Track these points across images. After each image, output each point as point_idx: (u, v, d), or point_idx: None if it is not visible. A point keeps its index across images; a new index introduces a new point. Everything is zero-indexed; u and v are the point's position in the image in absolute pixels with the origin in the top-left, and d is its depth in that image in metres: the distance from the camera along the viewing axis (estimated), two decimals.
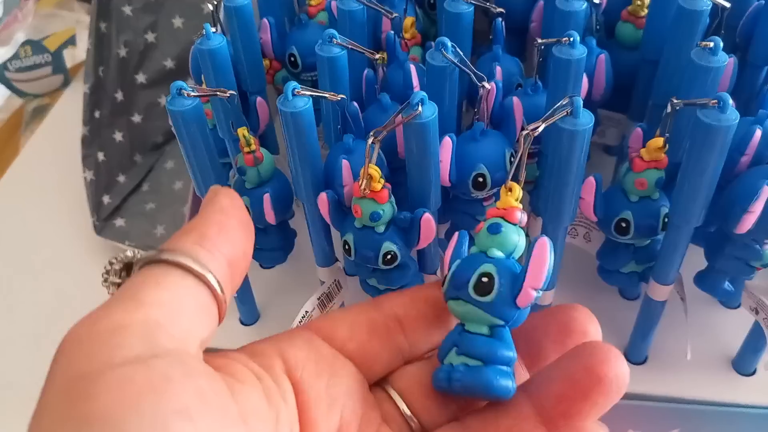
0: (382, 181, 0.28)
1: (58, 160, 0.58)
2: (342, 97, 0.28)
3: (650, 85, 0.35)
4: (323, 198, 0.29)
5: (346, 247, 0.29)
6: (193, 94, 0.27)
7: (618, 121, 0.40)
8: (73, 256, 0.52)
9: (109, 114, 0.54)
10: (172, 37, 0.55)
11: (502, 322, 0.23)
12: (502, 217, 0.25)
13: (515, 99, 0.31)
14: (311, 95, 0.26)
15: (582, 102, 0.25)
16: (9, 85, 0.66)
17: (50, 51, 0.66)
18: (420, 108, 0.26)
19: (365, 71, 0.33)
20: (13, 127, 0.68)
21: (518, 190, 0.25)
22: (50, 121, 0.64)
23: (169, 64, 0.55)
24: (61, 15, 0.71)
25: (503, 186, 0.25)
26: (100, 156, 0.53)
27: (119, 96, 0.55)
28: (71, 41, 0.67)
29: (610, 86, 0.35)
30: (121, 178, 0.54)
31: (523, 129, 0.25)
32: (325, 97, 0.28)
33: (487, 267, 0.23)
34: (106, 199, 0.52)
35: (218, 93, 0.29)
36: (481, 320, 0.23)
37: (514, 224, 0.25)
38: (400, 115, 0.26)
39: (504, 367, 0.23)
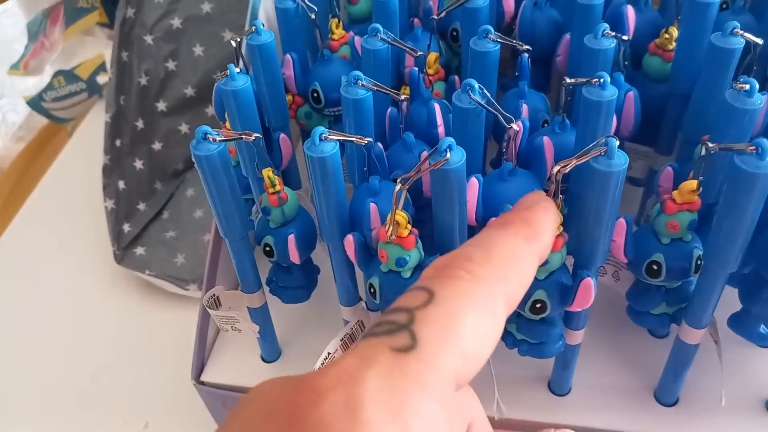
0: (409, 227, 0.27)
1: (80, 188, 0.59)
2: (369, 141, 0.28)
3: (679, 119, 0.35)
4: (350, 240, 0.29)
5: (372, 290, 0.29)
6: (218, 138, 0.27)
7: (645, 154, 0.39)
8: (93, 285, 0.52)
9: (129, 142, 0.54)
10: (193, 65, 0.55)
11: None
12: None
13: (546, 138, 0.31)
14: (338, 140, 0.26)
15: (616, 142, 0.24)
16: (47, 115, 0.67)
17: (83, 79, 0.67)
18: (448, 154, 0.25)
19: (389, 110, 0.33)
20: (37, 148, 0.69)
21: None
22: (72, 148, 0.65)
23: (189, 91, 0.55)
24: (87, 41, 0.72)
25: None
26: (121, 184, 0.53)
27: (140, 124, 0.55)
28: (103, 67, 0.68)
29: (639, 123, 0.34)
30: (142, 206, 0.54)
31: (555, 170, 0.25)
32: (352, 141, 0.27)
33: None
34: (126, 227, 0.53)
35: (243, 136, 0.28)
36: None
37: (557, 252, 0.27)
38: (427, 162, 0.25)
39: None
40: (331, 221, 0.29)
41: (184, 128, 0.56)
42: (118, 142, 0.54)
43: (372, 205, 0.28)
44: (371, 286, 0.29)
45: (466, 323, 0.17)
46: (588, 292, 0.27)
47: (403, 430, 0.14)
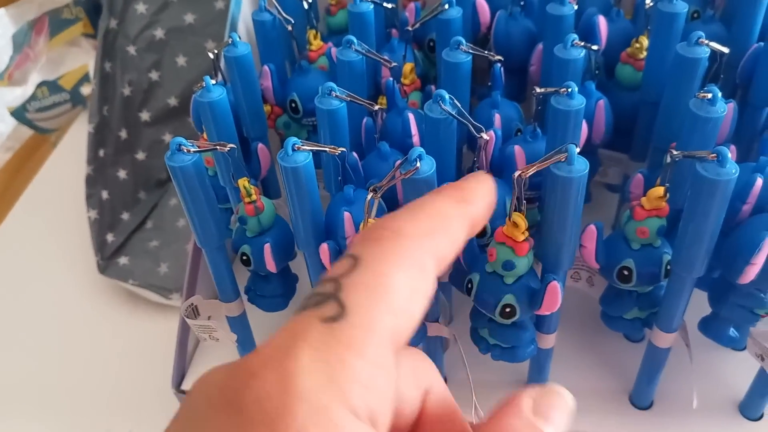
0: None
1: (63, 198, 0.59)
2: (342, 150, 0.28)
3: (651, 126, 0.35)
4: (325, 249, 0.29)
5: None
6: (193, 150, 0.27)
7: (619, 161, 0.40)
8: (77, 295, 0.52)
9: (113, 152, 0.55)
10: (176, 75, 0.55)
11: None
12: (511, 248, 0.28)
13: (517, 147, 0.31)
14: (311, 150, 0.26)
15: (576, 149, 0.25)
16: (31, 125, 0.67)
17: (67, 90, 0.67)
18: (418, 163, 0.26)
19: (364, 120, 0.33)
20: (23, 157, 0.69)
21: (523, 223, 0.27)
22: (56, 159, 0.65)
23: (172, 102, 0.56)
24: (72, 52, 0.72)
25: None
26: (104, 194, 0.54)
27: (123, 134, 0.55)
28: (86, 78, 0.68)
29: (610, 130, 0.35)
30: (125, 216, 0.54)
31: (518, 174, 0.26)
32: (325, 150, 0.28)
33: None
34: (110, 237, 0.53)
35: (218, 147, 0.29)
36: None
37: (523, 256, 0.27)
38: (398, 171, 0.26)
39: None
40: (307, 230, 0.29)
41: (167, 138, 0.56)
42: (101, 153, 0.54)
43: (346, 213, 0.28)
44: None
45: (394, 281, 0.16)
46: (555, 296, 0.28)
47: (340, 396, 0.14)
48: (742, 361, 0.36)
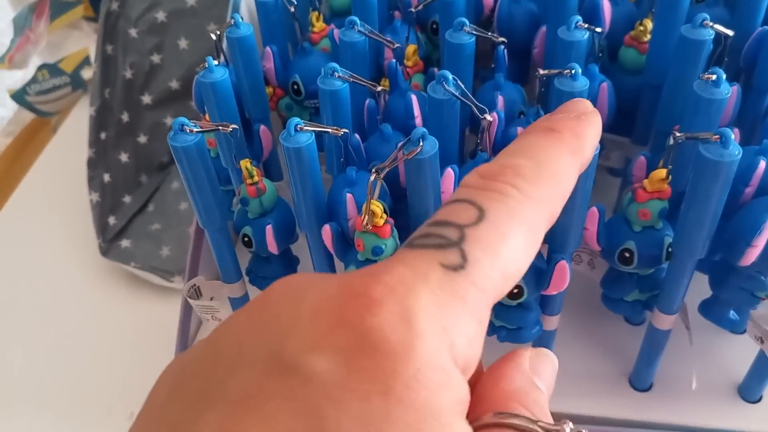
0: (385, 216, 0.28)
1: (64, 181, 0.59)
2: (345, 132, 0.28)
3: (654, 110, 0.35)
4: (327, 230, 0.29)
5: None
6: (195, 130, 0.27)
7: (622, 144, 0.40)
8: (78, 277, 0.53)
9: (114, 135, 0.55)
10: (178, 58, 0.55)
11: None
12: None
13: (521, 129, 0.31)
14: (314, 130, 0.26)
15: None
16: (31, 108, 0.67)
17: (67, 73, 0.67)
18: (421, 144, 0.26)
19: (367, 101, 0.33)
20: (24, 141, 0.69)
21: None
22: (57, 142, 0.65)
23: (174, 85, 0.56)
24: (73, 35, 0.72)
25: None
26: (106, 177, 0.54)
27: (125, 117, 0.55)
28: (87, 61, 0.68)
29: (613, 113, 0.35)
30: (127, 199, 0.54)
31: None
32: (327, 131, 0.28)
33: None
34: (111, 220, 0.53)
35: (220, 128, 0.29)
36: None
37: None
38: (401, 152, 0.26)
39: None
40: (309, 212, 0.29)
41: (168, 121, 0.56)
42: (103, 135, 0.54)
43: (348, 195, 0.28)
44: None
45: (514, 246, 0.17)
46: (563, 275, 0.28)
47: (450, 345, 0.15)
48: (742, 343, 0.36)
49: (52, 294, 0.52)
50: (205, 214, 0.30)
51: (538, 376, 0.19)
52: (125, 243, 0.52)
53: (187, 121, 0.27)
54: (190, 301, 0.33)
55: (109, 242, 0.52)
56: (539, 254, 0.29)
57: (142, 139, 0.56)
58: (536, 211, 0.18)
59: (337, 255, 0.30)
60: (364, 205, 0.27)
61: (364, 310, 0.15)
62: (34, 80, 0.65)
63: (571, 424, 0.17)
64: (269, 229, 0.30)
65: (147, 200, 0.55)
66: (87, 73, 0.67)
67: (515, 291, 0.29)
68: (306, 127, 0.26)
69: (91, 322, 0.50)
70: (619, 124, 0.38)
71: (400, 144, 0.26)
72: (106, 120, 0.54)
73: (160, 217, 0.54)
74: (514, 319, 0.31)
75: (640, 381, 0.35)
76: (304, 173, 0.27)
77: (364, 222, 0.28)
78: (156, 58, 0.55)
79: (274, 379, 0.14)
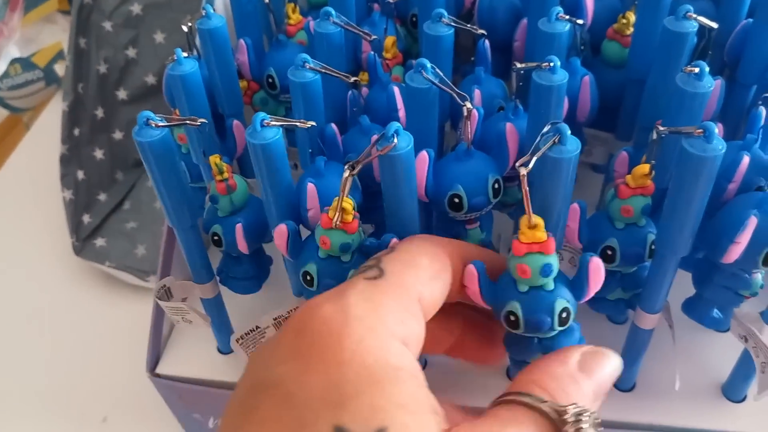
0: (354, 212, 0.26)
1: (37, 179, 0.57)
2: (312, 125, 0.27)
3: (637, 104, 0.34)
4: (282, 230, 0.27)
5: (308, 278, 0.27)
6: (161, 124, 0.26)
7: (605, 140, 0.39)
8: (51, 277, 0.51)
9: (89, 131, 0.53)
10: (154, 52, 0.54)
11: None
12: (541, 252, 0.25)
13: (509, 125, 0.30)
14: (281, 125, 0.25)
15: (569, 128, 0.24)
16: (3, 104, 0.65)
17: (40, 67, 0.65)
18: (396, 139, 0.25)
19: (349, 93, 0.32)
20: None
21: (542, 224, 0.25)
22: (30, 139, 0.63)
23: (150, 80, 0.54)
24: (48, 28, 0.70)
25: (523, 223, 0.25)
26: (80, 174, 0.52)
27: (99, 113, 0.54)
28: (60, 56, 0.66)
29: (595, 108, 0.34)
30: (102, 197, 0.53)
31: (516, 163, 0.24)
32: (295, 125, 0.27)
33: (563, 302, 0.25)
34: (86, 218, 0.51)
35: (188, 122, 0.28)
36: None
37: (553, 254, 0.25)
38: (375, 147, 0.25)
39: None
40: (279, 211, 0.28)
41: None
42: (76, 131, 0.53)
43: (310, 185, 0.27)
44: (307, 273, 0.27)
45: (422, 261, 0.23)
46: (597, 274, 0.26)
47: (382, 322, 0.19)
48: (726, 343, 0.35)
49: (24, 295, 0.51)
50: (174, 212, 0.29)
51: (586, 372, 0.22)
52: (100, 242, 0.51)
53: (152, 115, 0.26)
54: (159, 303, 0.32)
55: (83, 241, 0.51)
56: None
57: (118, 135, 0.55)
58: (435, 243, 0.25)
59: (290, 256, 0.28)
60: (335, 202, 0.26)
61: (310, 314, 0.20)
62: (6, 75, 0.63)
63: (577, 408, 0.20)
64: (239, 227, 0.29)
65: (123, 198, 0.54)
66: (60, 68, 0.65)
67: (564, 315, 0.25)
68: (273, 122, 0.25)
69: (64, 323, 0.49)
70: (602, 119, 0.37)
71: (373, 139, 0.25)
72: (80, 116, 0.53)
73: (136, 215, 0.53)
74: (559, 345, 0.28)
75: (623, 381, 0.34)
76: (272, 171, 0.26)
77: (335, 219, 0.26)
78: (131, 53, 0.54)
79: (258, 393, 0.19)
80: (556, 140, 0.24)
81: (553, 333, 0.26)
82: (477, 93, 0.32)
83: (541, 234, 0.24)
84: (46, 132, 0.61)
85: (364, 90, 0.34)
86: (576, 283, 0.26)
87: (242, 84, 0.37)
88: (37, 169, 0.58)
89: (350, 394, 0.17)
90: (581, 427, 0.19)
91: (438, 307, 0.23)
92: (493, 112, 0.33)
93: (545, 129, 0.24)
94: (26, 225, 0.55)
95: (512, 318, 0.25)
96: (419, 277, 0.22)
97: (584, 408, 0.20)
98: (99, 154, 0.54)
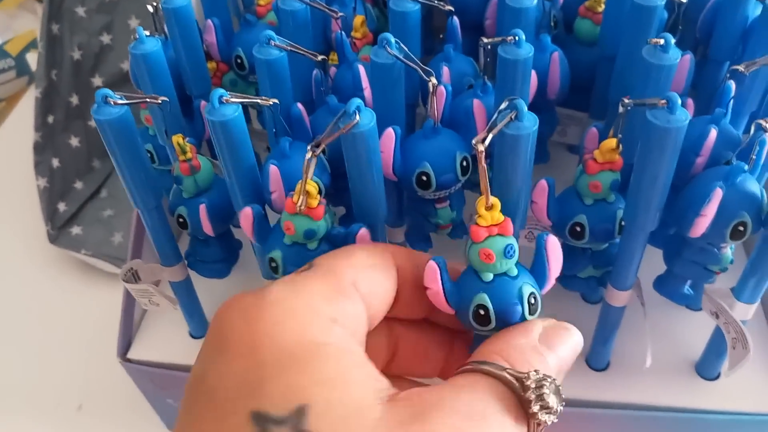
0: (319, 197, 0.26)
1: (13, 168, 0.57)
2: (274, 102, 0.27)
3: (609, 82, 0.34)
4: (248, 213, 0.26)
5: (273, 264, 0.27)
6: (120, 102, 0.26)
7: (579, 120, 0.39)
8: (26, 265, 0.51)
9: (63, 118, 0.53)
10: (128, 38, 0.53)
11: None
12: (500, 234, 0.24)
13: (476, 102, 0.30)
14: (241, 102, 0.25)
15: (525, 105, 0.24)
16: None
17: (12, 55, 0.64)
18: (357, 116, 0.24)
19: (314, 72, 0.32)
20: None
21: (499, 204, 0.24)
22: (7, 128, 0.62)
23: (126, 66, 0.54)
24: (22, 16, 0.69)
25: (480, 205, 0.23)
26: (55, 162, 0.52)
27: (74, 100, 0.53)
28: (33, 44, 0.65)
29: (566, 84, 0.34)
30: (79, 185, 0.53)
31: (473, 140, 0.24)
32: (257, 102, 0.26)
33: (529, 288, 0.23)
34: (62, 206, 0.51)
35: (149, 99, 0.27)
36: None
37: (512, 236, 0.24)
38: (338, 125, 0.24)
39: None
40: (243, 191, 0.27)
41: None
42: (50, 119, 0.52)
43: (272, 167, 0.26)
44: (272, 260, 0.27)
45: (356, 250, 0.22)
46: (555, 251, 0.25)
47: (305, 302, 0.19)
48: (699, 322, 0.35)
49: None
50: (137, 191, 0.29)
51: (549, 347, 0.21)
52: (76, 230, 0.50)
53: (110, 92, 0.26)
54: (126, 285, 0.32)
55: (58, 229, 0.50)
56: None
57: (94, 122, 0.54)
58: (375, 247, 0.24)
59: (257, 240, 0.27)
60: (298, 185, 0.26)
61: (224, 309, 0.20)
62: None
63: (539, 374, 0.19)
64: (203, 208, 0.29)
65: (99, 186, 0.54)
66: (32, 57, 0.64)
67: (533, 301, 0.24)
68: (232, 99, 0.25)
69: (39, 311, 0.48)
70: (577, 98, 0.37)
71: (336, 116, 0.25)
72: (54, 102, 0.52)
73: (113, 202, 0.52)
74: None
75: (597, 360, 0.34)
76: (232, 149, 0.26)
77: (299, 204, 0.26)
78: (106, 39, 0.53)
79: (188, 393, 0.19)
80: (513, 116, 0.24)
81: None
82: (445, 70, 0.32)
83: (499, 215, 0.23)
84: (24, 122, 0.60)
85: (333, 70, 0.33)
86: (536, 266, 0.24)
87: (211, 65, 0.36)
88: (13, 159, 0.57)
89: (267, 377, 0.16)
90: (543, 392, 0.18)
91: (385, 301, 0.22)
92: (463, 90, 0.33)
93: (502, 105, 0.24)
94: (1, 213, 0.55)
95: (482, 312, 0.23)
96: (352, 265, 0.21)
97: (546, 375, 0.19)
98: (75, 141, 0.53)
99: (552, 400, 0.19)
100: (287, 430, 0.15)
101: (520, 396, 0.19)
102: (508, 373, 0.19)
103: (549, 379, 0.19)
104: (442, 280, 0.23)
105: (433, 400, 0.18)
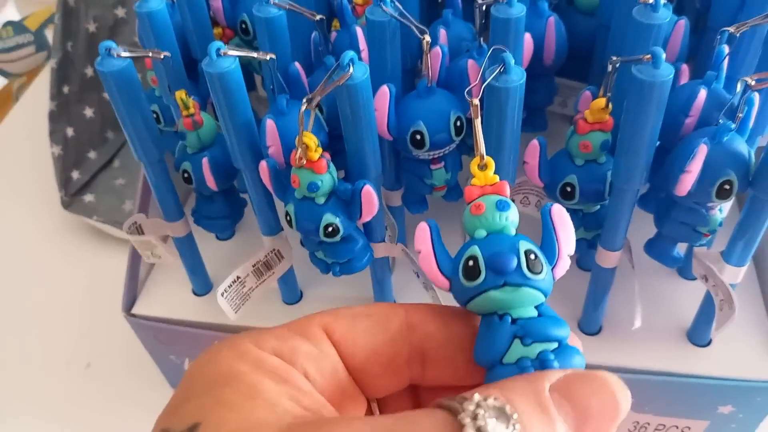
0: (320, 150, 0.27)
1: (31, 137, 0.58)
2: (271, 57, 0.27)
3: (606, 50, 0.34)
4: (264, 167, 0.28)
5: (288, 218, 0.28)
6: (123, 54, 0.27)
7: (579, 90, 0.39)
8: (39, 230, 0.52)
9: (78, 90, 0.54)
10: None
11: (545, 298, 0.20)
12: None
13: (471, 61, 0.31)
14: (238, 55, 0.26)
15: (512, 58, 0.24)
16: None
17: (31, 31, 0.66)
18: (351, 69, 0.25)
19: (313, 34, 0.32)
20: None
21: (493, 164, 0.22)
22: (26, 99, 0.64)
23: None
24: None
25: (473, 164, 0.21)
26: (69, 131, 0.53)
27: (89, 71, 0.54)
28: (52, 20, 0.67)
29: (563, 51, 0.34)
30: (92, 155, 0.54)
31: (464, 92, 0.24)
32: (253, 57, 0.27)
33: (527, 244, 0.20)
34: (75, 174, 0.52)
35: (151, 53, 0.28)
36: (530, 301, 0.19)
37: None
38: (332, 79, 0.25)
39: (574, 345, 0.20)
40: (242, 145, 0.28)
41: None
42: (65, 89, 0.53)
43: (269, 121, 0.27)
44: (287, 214, 0.28)
45: (354, 306, 0.20)
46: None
47: (247, 339, 0.19)
48: (692, 290, 0.36)
49: (11, 246, 0.52)
50: (140, 144, 0.30)
51: (562, 393, 0.17)
52: (88, 197, 0.52)
53: (113, 44, 0.27)
54: (129, 237, 0.33)
55: (72, 196, 0.52)
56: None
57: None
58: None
59: (276, 194, 0.29)
60: (297, 139, 0.27)
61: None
62: None
63: (485, 395, 0.16)
64: (205, 162, 0.30)
65: (112, 156, 0.55)
66: (51, 33, 0.66)
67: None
68: (229, 52, 0.26)
69: (51, 274, 0.50)
70: (576, 68, 0.37)
71: (331, 70, 0.26)
72: (69, 73, 0.53)
73: (125, 172, 0.54)
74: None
75: (589, 324, 0.35)
76: (230, 101, 0.26)
77: (297, 156, 0.27)
78: (120, 12, 0.54)
79: None
80: (501, 69, 0.24)
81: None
82: (442, 33, 0.32)
83: (494, 176, 0.21)
84: (40, 96, 0.62)
85: (334, 35, 0.34)
86: (545, 240, 0.21)
87: (217, 31, 0.37)
88: (32, 131, 0.59)
89: (183, 400, 0.17)
90: (478, 413, 0.15)
91: (373, 351, 0.19)
92: (460, 53, 0.33)
93: (486, 57, 0.24)
94: (18, 180, 0.56)
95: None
96: (330, 312, 0.20)
97: (495, 396, 0.16)
98: (89, 112, 0.54)
99: (492, 426, 0.15)
100: None
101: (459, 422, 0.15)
102: (456, 400, 0.16)
103: (492, 397, 0.16)
104: (433, 242, 0.21)
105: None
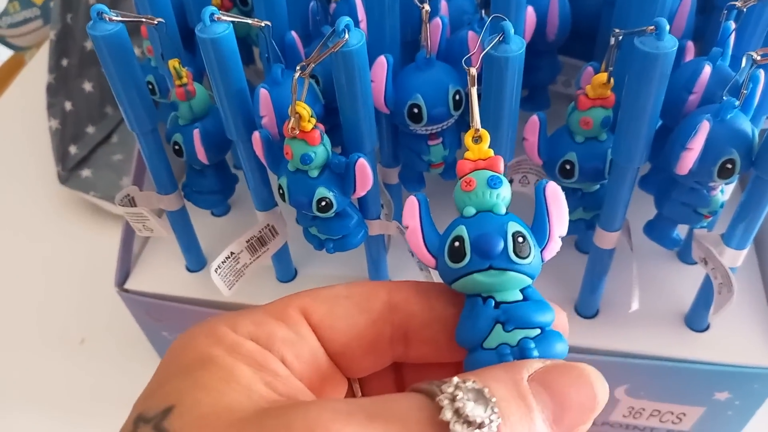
0: (313, 120, 0.26)
1: (30, 111, 0.58)
2: (266, 24, 0.27)
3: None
4: (257, 138, 0.27)
5: (281, 191, 0.28)
6: (115, 18, 0.26)
7: None
8: (36, 205, 0.52)
9: (78, 63, 0.53)
10: None
11: (531, 281, 0.19)
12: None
13: (471, 33, 0.30)
14: (232, 20, 0.25)
15: (512, 27, 0.24)
16: (4, 42, 0.66)
17: (37, 4, 0.65)
18: (346, 35, 0.24)
19: (311, 3, 0.32)
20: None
21: (488, 137, 0.21)
22: (26, 73, 0.64)
23: None
24: None
25: (467, 136, 0.21)
26: (68, 105, 0.53)
27: (89, 45, 0.54)
28: None
29: (566, 25, 0.34)
30: (90, 129, 0.54)
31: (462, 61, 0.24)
32: (247, 22, 0.26)
33: (516, 225, 0.19)
34: (73, 149, 0.52)
35: (144, 19, 0.27)
36: (515, 285, 0.19)
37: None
38: (327, 45, 0.25)
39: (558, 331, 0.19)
40: (235, 115, 0.28)
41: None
42: (64, 62, 0.53)
43: (262, 90, 0.27)
44: (280, 187, 0.28)
45: (334, 286, 0.20)
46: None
47: (222, 323, 0.18)
48: (690, 274, 0.35)
49: (7, 221, 0.52)
50: (132, 113, 0.29)
51: (542, 383, 0.17)
52: (86, 172, 0.51)
53: (105, 8, 0.26)
54: (122, 209, 0.33)
55: (69, 171, 0.51)
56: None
57: None
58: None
59: (269, 166, 0.29)
60: (290, 108, 0.26)
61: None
62: (5, 12, 0.64)
63: (464, 379, 0.16)
64: (196, 133, 0.29)
65: (111, 132, 0.55)
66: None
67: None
68: (223, 17, 0.25)
69: (47, 249, 0.50)
70: (582, 47, 0.36)
71: (325, 37, 0.25)
72: (68, 46, 0.53)
73: (123, 147, 0.53)
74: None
75: (586, 308, 0.34)
76: (224, 68, 0.26)
77: (290, 126, 0.26)
78: None
79: None
80: (500, 38, 0.24)
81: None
82: (443, 4, 0.32)
83: (488, 150, 0.21)
84: (40, 69, 0.62)
85: (333, 6, 0.33)
86: (536, 219, 0.20)
87: (215, 1, 0.37)
88: (31, 103, 0.58)
89: (159, 384, 0.17)
90: (457, 395, 0.15)
91: (354, 334, 0.19)
92: (461, 26, 0.33)
93: (486, 24, 0.24)
94: (16, 155, 0.56)
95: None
96: (309, 294, 0.19)
97: (473, 379, 0.16)
98: (88, 86, 0.54)
99: (470, 408, 0.15)
100: (149, 428, 0.16)
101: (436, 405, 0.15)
102: (434, 384, 0.16)
103: (471, 380, 0.16)
104: (421, 217, 0.20)
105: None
